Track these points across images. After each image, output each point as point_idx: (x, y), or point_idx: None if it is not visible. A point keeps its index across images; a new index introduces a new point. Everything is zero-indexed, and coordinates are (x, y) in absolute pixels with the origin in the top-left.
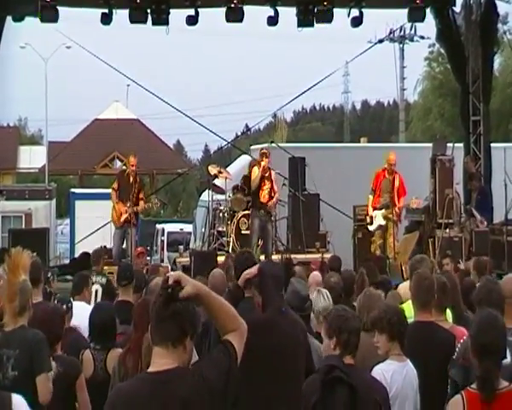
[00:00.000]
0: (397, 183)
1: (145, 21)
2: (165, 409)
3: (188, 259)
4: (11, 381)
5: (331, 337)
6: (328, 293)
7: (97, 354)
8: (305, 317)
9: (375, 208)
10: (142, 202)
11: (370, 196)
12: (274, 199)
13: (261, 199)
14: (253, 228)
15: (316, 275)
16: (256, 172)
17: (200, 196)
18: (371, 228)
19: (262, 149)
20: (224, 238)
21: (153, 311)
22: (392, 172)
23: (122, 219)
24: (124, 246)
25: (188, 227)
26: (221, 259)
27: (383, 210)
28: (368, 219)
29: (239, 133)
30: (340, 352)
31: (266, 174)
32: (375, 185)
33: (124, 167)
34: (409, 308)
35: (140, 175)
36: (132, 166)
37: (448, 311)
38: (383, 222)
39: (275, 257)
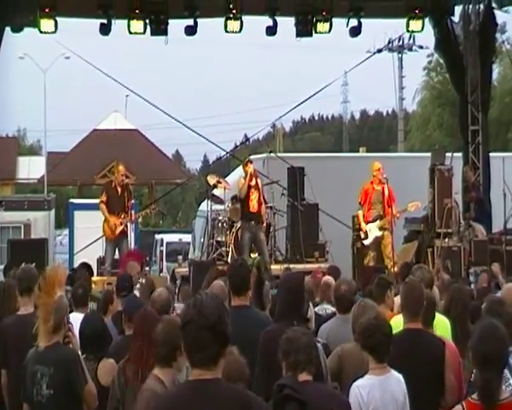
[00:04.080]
0: (386, 193)
1: (144, 32)
2: None
3: (187, 269)
4: (46, 399)
5: (282, 361)
6: (311, 306)
7: (88, 364)
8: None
9: (367, 222)
10: (132, 212)
11: (360, 212)
12: (263, 208)
13: (250, 209)
14: (243, 242)
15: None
16: (242, 181)
17: (198, 206)
18: (367, 242)
19: (245, 158)
20: (223, 248)
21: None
22: (379, 182)
23: (117, 231)
24: (116, 256)
25: (187, 237)
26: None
27: (377, 221)
28: (362, 235)
29: (238, 143)
30: (291, 373)
31: (253, 183)
32: (364, 200)
33: (111, 178)
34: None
35: (135, 185)
36: (122, 175)
37: (448, 326)
38: (379, 233)
39: (275, 267)
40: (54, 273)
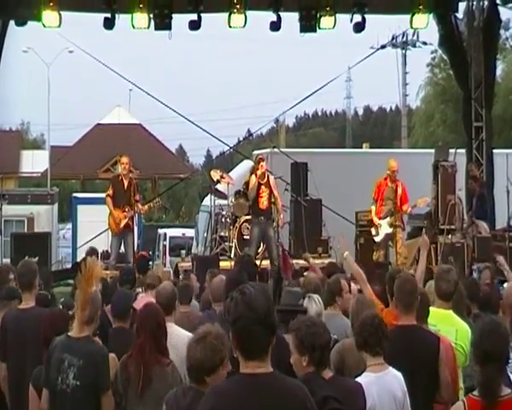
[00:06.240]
0: (400, 191)
1: (148, 26)
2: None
3: (190, 264)
4: (71, 389)
5: (303, 354)
6: (319, 298)
7: None
8: (302, 313)
9: (379, 218)
10: (139, 204)
11: (373, 207)
12: (281, 216)
13: (260, 206)
14: (253, 236)
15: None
16: (253, 180)
17: (202, 200)
18: (378, 239)
19: (258, 155)
20: (227, 243)
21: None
22: (394, 179)
23: (122, 224)
24: (121, 251)
25: (190, 232)
26: (224, 264)
27: (388, 218)
28: (373, 231)
29: (241, 138)
30: (314, 369)
31: (264, 181)
32: (378, 195)
33: (117, 172)
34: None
35: (138, 180)
36: (125, 165)
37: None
38: (390, 230)
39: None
40: (94, 266)
